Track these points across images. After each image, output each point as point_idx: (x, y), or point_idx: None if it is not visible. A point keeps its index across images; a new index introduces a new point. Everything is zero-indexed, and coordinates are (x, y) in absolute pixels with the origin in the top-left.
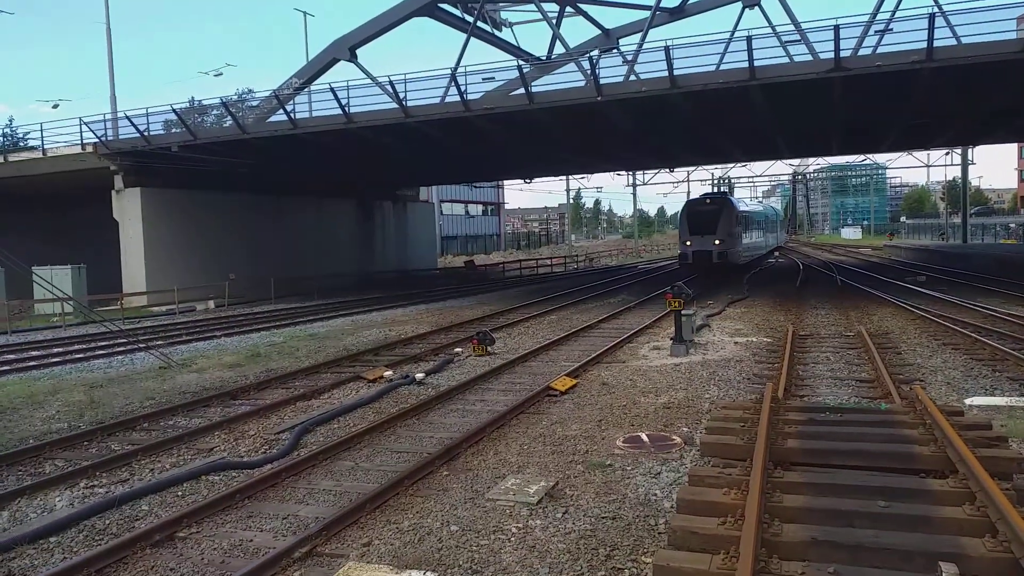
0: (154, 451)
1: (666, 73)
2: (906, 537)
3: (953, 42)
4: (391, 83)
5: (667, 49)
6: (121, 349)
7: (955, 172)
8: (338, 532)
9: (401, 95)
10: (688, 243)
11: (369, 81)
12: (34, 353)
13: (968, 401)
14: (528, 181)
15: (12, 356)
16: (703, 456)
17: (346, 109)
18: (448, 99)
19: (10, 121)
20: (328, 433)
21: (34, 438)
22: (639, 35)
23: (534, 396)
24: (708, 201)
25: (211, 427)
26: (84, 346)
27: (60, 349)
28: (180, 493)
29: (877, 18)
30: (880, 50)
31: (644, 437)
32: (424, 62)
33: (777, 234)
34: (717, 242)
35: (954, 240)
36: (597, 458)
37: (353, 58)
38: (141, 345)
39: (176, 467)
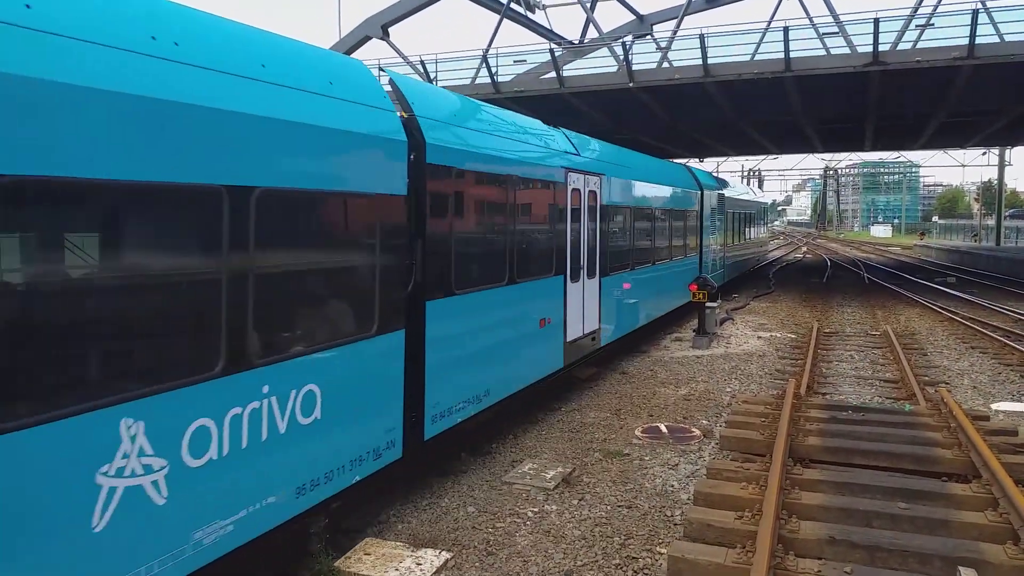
0: None
1: (700, 61)
2: (925, 540)
3: (996, 39)
4: (422, 63)
5: (702, 37)
6: None
7: (991, 173)
8: (356, 507)
9: (432, 75)
10: None
11: (400, 60)
12: None
13: (994, 406)
14: None
15: None
16: (722, 449)
17: None
18: (479, 80)
19: None
20: None
21: None
22: (673, 22)
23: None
24: None
25: None
26: None
27: None
28: None
29: (918, 12)
30: (920, 45)
31: (663, 428)
32: (456, 42)
33: (724, 241)
34: None
35: (987, 242)
36: (615, 447)
37: (385, 36)
38: None
39: None
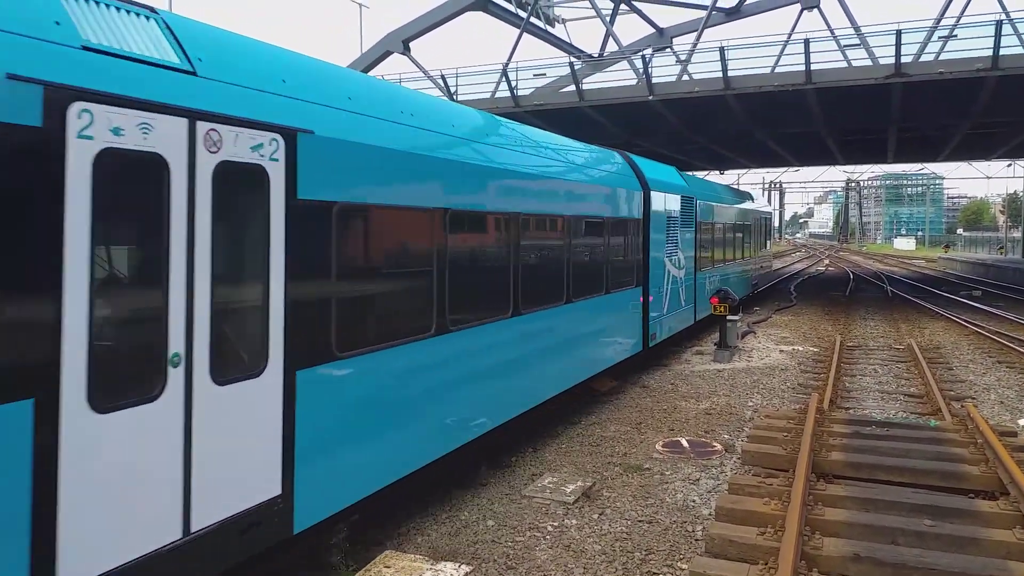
0: None
1: (720, 74)
2: (952, 558)
3: (1021, 50)
4: (443, 77)
5: (722, 50)
6: None
7: (1017, 185)
8: (376, 519)
9: (452, 88)
10: None
11: (421, 74)
12: None
13: (1022, 422)
14: None
15: None
16: (744, 464)
17: None
18: (498, 94)
19: None
20: None
21: None
22: (693, 35)
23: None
24: None
25: None
26: None
27: None
28: None
29: (941, 23)
30: (943, 56)
31: (684, 442)
32: (477, 57)
33: (696, 263)
34: None
35: (1013, 255)
36: (635, 461)
37: (406, 51)
38: None
39: None
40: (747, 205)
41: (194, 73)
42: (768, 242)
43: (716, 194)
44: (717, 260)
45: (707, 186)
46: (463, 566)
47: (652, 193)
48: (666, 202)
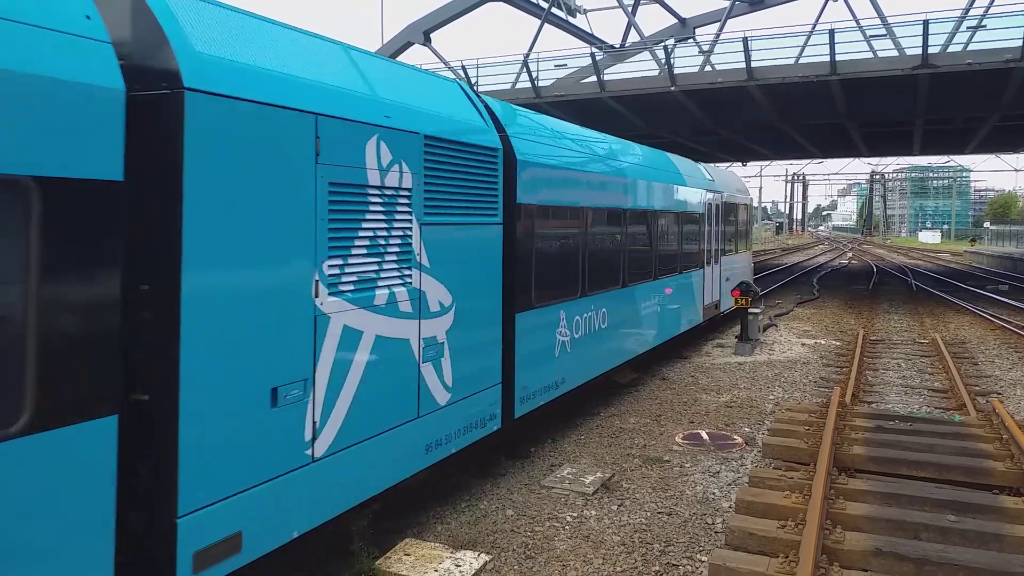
0: None
1: (743, 65)
2: (975, 554)
3: None
4: (463, 67)
5: (745, 40)
6: None
7: None
8: (397, 508)
9: (472, 79)
10: None
11: (441, 65)
12: None
13: None
14: None
15: None
16: (765, 457)
17: None
18: (519, 85)
19: None
20: None
21: None
22: (716, 25)
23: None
24: None
25: None
26: None
27: None
28: None
29: (969, 14)
30: (971, 47)
31: (704, 435)
32: (497, 47)
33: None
34: None
35: None
36: (655, 453)
37: (427, 42)
38: None
39: None
40: (694, 181)
41: None
42: (744, 241)
43: (602, 151)
44: (596, 280)
45: (573, 139)
46: (482, 555)
47: (229, 108)
48: (353, 146)
